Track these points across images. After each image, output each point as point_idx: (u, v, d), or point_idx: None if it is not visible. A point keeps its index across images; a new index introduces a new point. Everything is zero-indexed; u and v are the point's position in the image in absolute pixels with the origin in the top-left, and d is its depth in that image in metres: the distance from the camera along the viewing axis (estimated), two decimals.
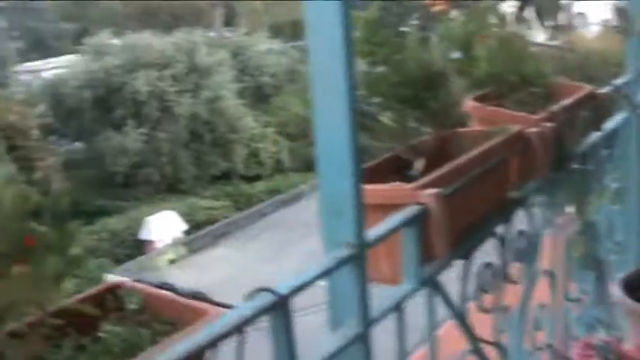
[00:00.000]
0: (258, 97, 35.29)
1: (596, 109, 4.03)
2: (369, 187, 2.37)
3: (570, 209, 3.92)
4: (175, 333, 1.94)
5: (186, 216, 27.75)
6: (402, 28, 3.30)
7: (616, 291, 3.77)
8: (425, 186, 2.60)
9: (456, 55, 3.62)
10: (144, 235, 26.63)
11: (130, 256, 25.91)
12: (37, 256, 1.76)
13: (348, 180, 2.19)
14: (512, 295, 3.29)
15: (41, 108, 30.09)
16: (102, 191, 30.85)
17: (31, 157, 27.10)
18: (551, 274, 3.84)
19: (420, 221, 2.53)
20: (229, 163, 32.34)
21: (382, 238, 2.39)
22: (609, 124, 4.38)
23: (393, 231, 2.45)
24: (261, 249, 26.15)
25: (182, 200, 29.62)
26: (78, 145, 34.79)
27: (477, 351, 3.01)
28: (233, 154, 32.29)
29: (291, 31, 42.37)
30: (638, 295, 3.66)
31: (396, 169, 3.00)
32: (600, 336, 4.09)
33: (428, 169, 2.89)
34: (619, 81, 4.67)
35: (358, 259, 2.22)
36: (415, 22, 3.54)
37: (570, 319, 4.17)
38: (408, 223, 2.51)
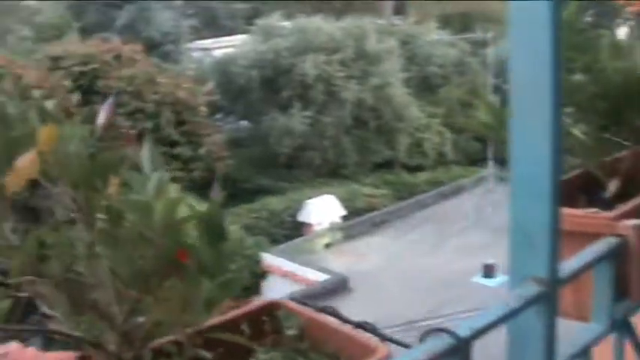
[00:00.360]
0: (425, 87, 34.94)
1: None
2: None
3: None
4: None
5: (346, 201, 27.73)
6: (599, 31, 2.95)
7: None
8: (624, 215, 2.28)
9: None
10: (302, 217, 26.80)
11: (287, 237, 26.14)
12: (190, 277, 1.56)
13: (544, 204, 1.88)
14: None
15: (210, 85, 30.76)
16: (264, 171, 31.30)
17: (198, 133, 27.72)
18: None
19: (616, 255, 2.21)
20: (392, 151, 32.18)
21: (576, 274, 2.09)
22: None
23: (588, 266, 2.14)
24: (419, 240, 25.84)
25: (342, 185, 29.65)
26: (244, 123, 35.41)
27: None
28: (396, 143, 32.10)
29: (461, 22, 41.76)
30: None
31: (585, 188, 2.68)
32: None
33: (622, 191, 2.57)
34: None
35: (549, 298, 1.92)
36: (613, 23, 3.19)
37: None
38: (603, 257, 2.19)
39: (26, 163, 1.66)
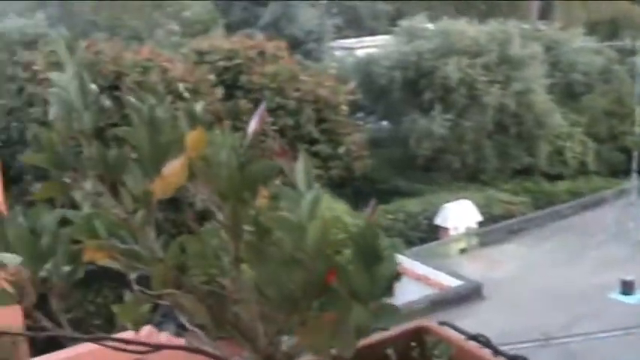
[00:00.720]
0: (568, 94, 34.19)
1: None
2: None
3: None
4: None
5: (483, 207, 27.33)
6: None
7: None
8: None
9: None
10: (439, 220, 26.57)
11: (422, 240, 25.97)
12: (341, 301, 1.46)
13: None
14: None
15: (352, 84, 30.82)
16: (402, 172, 31.23)
17: (338, 132, 27.82)
18: None
19: None
20: (532, 158, 31.59)
21: None
22: None
23: None
24: (555, 250, 25.20)
25: (480, 191, 29.27)
26: (384, 124, 35.38)
27: None
28: (537, 150, 31.49)
29: (608, 29, 40.64)
30: None
31: None
32: None
33: None
34: None
35: None
36: None
37: None
38: None
39: (174, 169, 1.59)
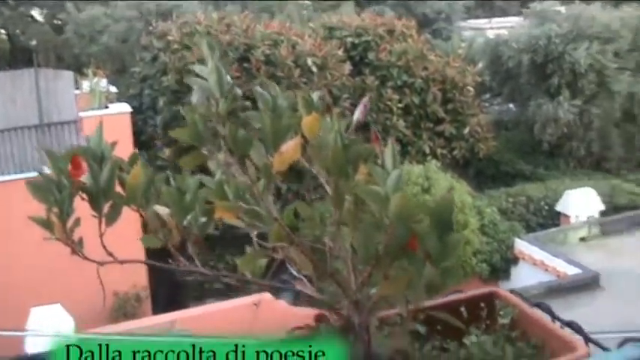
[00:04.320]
0: None
1: None
2: None
3: None
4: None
5: (606, 196, 26.92)
6: None
7: None
8: None
9: None
10: (560, 207, 26.33)
11: (542, 226, 25.85)
12: (416, 262, 1.81)
13: None
14: None
15: (479, 66, 30.74)
16: (525, 156, 31.06)
17: (464, 112, 27.83)
18: None
19: None
20: None
21: None
22: None
23: None
24: None
25: (604, 180, 28.83)
26: (510, 106, 35.14)
27: None
28: None
29: None
30: None
31: None
32: None
33: None
34: None
35: None
36: None
37: None
38: None
39: (290, 148, 1.97)
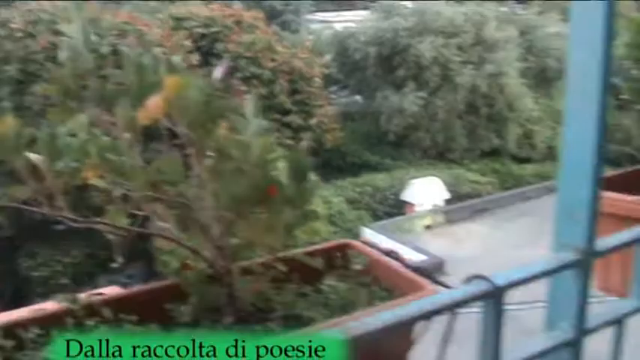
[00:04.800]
0: (541, 79, 34.50)
1: None
2: (611, 195, 2.34)
3: None
4: (390, 300, 2.05)
5: (450, 186, 27.75)
6: None
7: None
8: None
9: None
10: (405, 196, 26.93)
11: (389, 214, 26.35)
12: (276, 206, 1.92)
13: (588, 186, 2.17)
14: None
15: (327, 57, 31.09)
16: (372, 147, 31.54)
17: (311, 103, 28.09)
18: None
19: None
20: (501, 140, 31.97)
21: (612, 250, 2.36)
22: None
23: (626, 245, 2.41)
24: (517, 232, 25.68)
25: (448, 169, 29.67)
26: (357, 98, 35.65)
27: None
28: (506, 133, 31.90)
29: None
30: None
31: None
32: None
33: None
34: None
35: (583, 266, 2.20)
36: None
37: None
38: None
39: (154, 104, 2.04)
